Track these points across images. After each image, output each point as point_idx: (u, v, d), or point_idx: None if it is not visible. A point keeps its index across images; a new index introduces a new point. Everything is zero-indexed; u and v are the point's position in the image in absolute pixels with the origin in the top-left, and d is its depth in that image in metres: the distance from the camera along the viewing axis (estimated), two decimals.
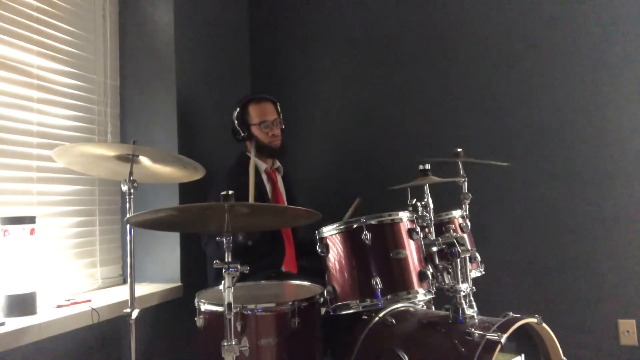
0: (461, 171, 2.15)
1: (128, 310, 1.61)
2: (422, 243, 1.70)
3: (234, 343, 1.31)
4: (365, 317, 1.72)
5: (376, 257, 1.62)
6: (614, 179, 2.50)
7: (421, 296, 1.63)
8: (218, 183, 2.20)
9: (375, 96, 2.94)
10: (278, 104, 2.43)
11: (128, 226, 1.64)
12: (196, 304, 1.62)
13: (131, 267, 1.65)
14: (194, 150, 2.42)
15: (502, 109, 2.69)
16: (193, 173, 1.75)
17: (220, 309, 1.49)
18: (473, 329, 1.45)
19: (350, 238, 1.66)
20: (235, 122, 2.36)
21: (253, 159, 2.10)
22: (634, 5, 2.50)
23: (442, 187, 2.04)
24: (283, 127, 2.40)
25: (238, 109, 2.36)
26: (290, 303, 1.55)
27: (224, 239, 1.37)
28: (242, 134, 2.35)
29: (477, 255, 1.99)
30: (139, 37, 2.38)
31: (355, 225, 1.65)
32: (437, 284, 1.68)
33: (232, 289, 1.33)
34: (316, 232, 1.74)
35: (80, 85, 2.15)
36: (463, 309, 1.57)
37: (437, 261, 1.69)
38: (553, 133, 2.60)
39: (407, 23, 2.89)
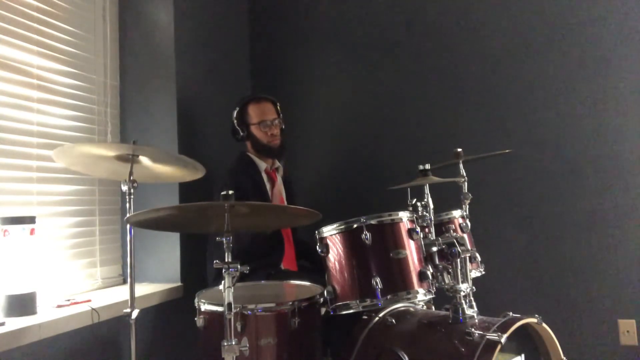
0: (461, 171, 2.15)
1: (128, 310, 1.61)
2: (422, 243, 1.70)
3: (234, 343, 1.31)
4: (365, 317, 1.72)
5: (376, 257, 1.62)
6: (614, 179, 2.50)
7: (421, 296, 1.63)
8: (220, 183, 2.19)
9: (375, 96, 2.94)
10: (278, 104, 2.43)
11: (128, 226, 1.64)
12: (196, 304, 1.62)
13: (131, 267, 1.65)
14: (194, 150, 2.42)
15: (502, 109, 2.69)
16: (193, 172, 1.75)
17: (220, 309, 1.49)
18: (473, 329, 1.45)
19: (350, 238, 1.66)
20: (235, 121, 2.36)
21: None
22: (635, 4, 2.50)
23: (442, 187, 2.03)
24: (283, 127, 2.40)
25: (238, 109, 2.36)
26: (290, 303, 1.55)
27: (224, 239, 1.37)
28: (242, 134, 2.35)
29: (477, 255, 1.99)
30: (139, 37, 2.38)
31: (355, 225, 1.65)
32: (437, 284, 1.68)
33: (232, 289, 1.33)
34: (316, 232, 1.74)
35: (80, 85, 2.15)
36: (463, 309, 1.56)
37: (437, 261, 1.69)
38: (553, 133, 2.60)
39: (407, 23, 2.89)
